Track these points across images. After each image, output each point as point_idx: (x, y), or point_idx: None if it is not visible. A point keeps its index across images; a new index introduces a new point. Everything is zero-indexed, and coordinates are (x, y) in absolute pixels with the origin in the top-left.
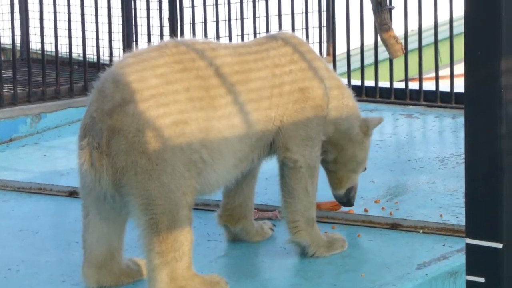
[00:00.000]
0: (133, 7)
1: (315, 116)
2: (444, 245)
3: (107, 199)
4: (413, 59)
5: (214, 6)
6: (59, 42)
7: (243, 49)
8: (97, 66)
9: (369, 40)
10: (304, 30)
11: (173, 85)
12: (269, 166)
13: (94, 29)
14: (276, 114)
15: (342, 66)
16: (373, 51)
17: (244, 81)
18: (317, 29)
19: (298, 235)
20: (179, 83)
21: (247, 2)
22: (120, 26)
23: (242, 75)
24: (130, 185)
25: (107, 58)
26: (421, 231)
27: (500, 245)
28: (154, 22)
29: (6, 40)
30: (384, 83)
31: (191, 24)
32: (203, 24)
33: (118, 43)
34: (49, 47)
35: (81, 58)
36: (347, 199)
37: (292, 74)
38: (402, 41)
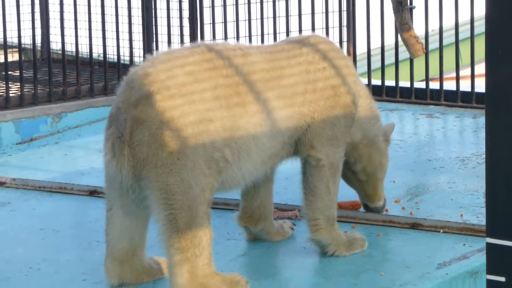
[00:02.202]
0: (153, 7)
1: (344, 115)
2: (464, 244)
3: (129, 191)
4: (434, 59)
5: (234, 6)
6: (79, 42)
7: (275, 48)
8: (118, 66)
9: (390, 40)
10: (325, 30)
11: (201, 83)
12: (289, 166)
13: (115, 29)
14: (308, 111)
15: (362, 66)
16: (393, 51)
17: (277, 78)
18: (337, 29)
19: (318, 233)
20: (207, 81)
21: (267, 2)
22: (141, 26)
23: (275, 72)
24: (150, 178)
25: (127, 58)
26: (441, 231)
27: None
28: (174, 22)
29: (27, 40)
30: (404, 83)
31: (211, 24)
32: (223, 24)
33: (138, 43)
34: (70, 47)
35: (101, 58)
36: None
37: (326, 71)
38: (423, 41)
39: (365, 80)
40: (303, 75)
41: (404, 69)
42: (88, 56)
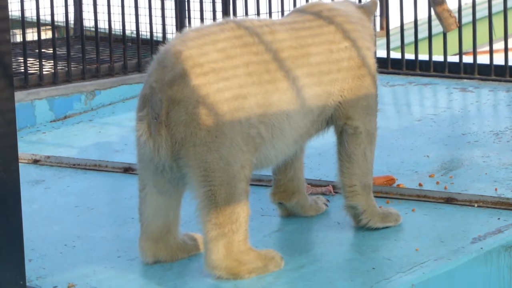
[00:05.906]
0: None
1: (374, 87)
2: (499, 218)
3: (164, 171)
4: (467, 33)
5: None
6: (112, 19)
7: (298, 25)
8: (150, 43)
9: (423, 14)
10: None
11: (233, 60)
12: (322, 142)
13: (147, 6)
14: (335, 89)
15: (395, 40)
16: (426, 25)
17: (304, 56)
18: None
19: (355, 199)
20: (239, 58)
21: None
22: (173, 3)
23: (302, 50)
24: (188, 157)
25: (160, 35)
26: (475, 205)
27: None
28: None
29: (60, 18)
30: (438, 57)
31: (244, 0)
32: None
33: (171, 20)
34: (103, 24)
35: (134, 35)
36: None
37: (348, 51)
38: (456, 15)
39: (398, 55)
40: (327, 55)
41: (437, 43)
42: (121, 33)
